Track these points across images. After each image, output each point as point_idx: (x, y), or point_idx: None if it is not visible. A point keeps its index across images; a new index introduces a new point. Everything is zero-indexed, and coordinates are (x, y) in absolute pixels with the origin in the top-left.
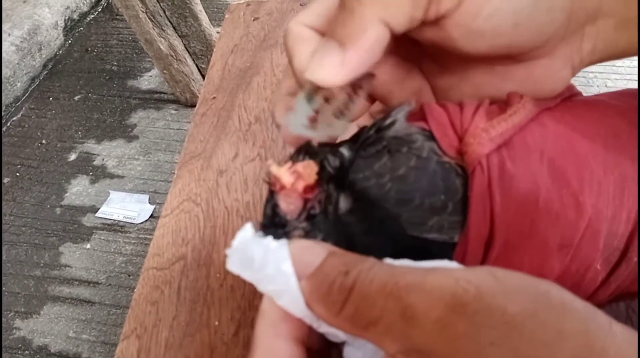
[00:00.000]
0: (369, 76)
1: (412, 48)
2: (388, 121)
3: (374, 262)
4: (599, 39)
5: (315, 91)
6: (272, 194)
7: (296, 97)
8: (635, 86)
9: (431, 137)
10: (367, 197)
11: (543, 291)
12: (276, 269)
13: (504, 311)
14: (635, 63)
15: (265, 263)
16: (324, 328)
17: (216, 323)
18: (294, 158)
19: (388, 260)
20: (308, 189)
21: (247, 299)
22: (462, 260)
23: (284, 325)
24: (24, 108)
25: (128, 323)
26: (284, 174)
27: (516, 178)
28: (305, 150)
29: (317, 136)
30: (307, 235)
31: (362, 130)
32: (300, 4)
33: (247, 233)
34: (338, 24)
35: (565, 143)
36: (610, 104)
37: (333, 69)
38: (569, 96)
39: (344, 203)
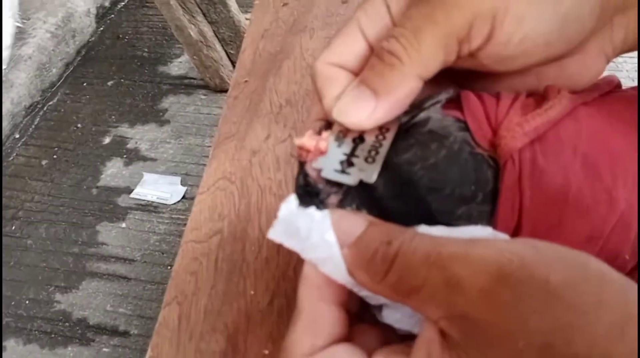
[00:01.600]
0: (396, 118)
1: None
2: (423, 117)
3: (415, 233)
4: (630, 28)
5: (344, 132)
6: (301, 166)
7: (326, 138)
8: None
9: (465, 128)
10: (400, 177)
11: (583, 262)
12: (320, 238)
13: (546, 281)
14: None
15: (309, 232)
16: (364, 292)
17: (252, 292)
18: (320, 128)
19: (423, 227)
20: None
21: (281, 270)
22: None
23: (327, 290)
24: (59, 93)
25: (169, 291)
26: (307, 140)
27: (547, 173)
28: (328, 122)
29: (350, 182)
30: (342, 202)
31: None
32: None
33: (291, 204)
34: (375, 74)
35: (600, 139)
36: None
37: (364, 114)
38: (608, 91)
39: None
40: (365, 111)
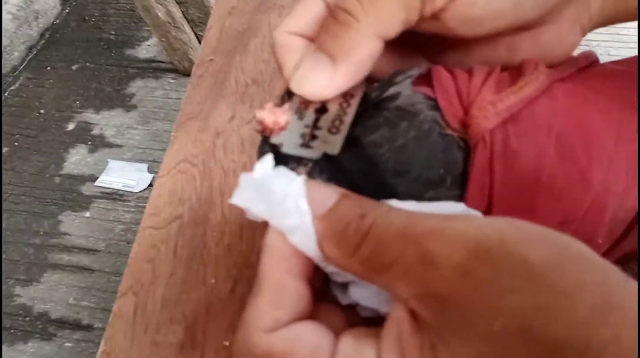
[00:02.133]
0: (360, 84)
1: (411, 34)
2: (392, 91)
3: (390, 207)
4: None
5: (305, 104)
6: (264, 139)
7: (286, 111)
8: None
9: (436, 106)
10: (366, 158)
11: (564, 243)
12: (294, 204)
13: (526, 259)
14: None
15: (285, 197)
16: (330, 268)
17: (212, 280)
18: (283, 98)
19: (394, 201)
20: None
21: (244, 256)
22: None
23: (293, 261)
24: (21, 78)
25: (125, 280)
26: (267, 114)
27: (519, 155)
28: (289, 92)
29: (313, 156)
30: (311, 173)
31: (365, 96)
32: None
33: (267, 164)
34: (329, 36)
35: (576, 118)
36: (629, 73)
37: (323, 83)
38: (586, 66)
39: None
40: (324, 79)
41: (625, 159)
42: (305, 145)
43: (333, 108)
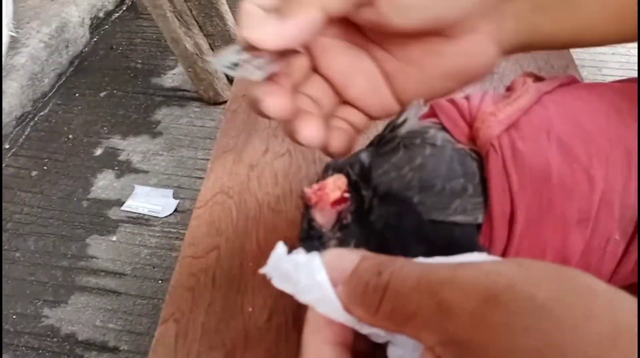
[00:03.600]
0: (294, 51)
1: (359, 36)
2: (401, 119)
3: (405, 261)
4: (520, 20)
5: (248, 48)
6: (307, 208)
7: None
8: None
9: (443, 128)
10: (390, 192)
11: (569, 276)
12: (310, 280)
13: (534, 297)
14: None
15: (298, 276)
16: (366, 329)
17: (250, 309)
18: (323, 175)
19: (420, 259)
20: (339, 201)
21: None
22: (490, 238)
23: (329, 331)
24: (51, 104)
25: (166, 308)
26: (313, 192)
27: (528, 156)
28: (332, 167)
29: (233, 74)
30: (341, 243)
31: (376, 137)
32: None
33: (279, 251)
34: (282, 3)
35: (570, 122)
36: (609, 86)
37: (270, 33)
38: (568, 82)
39: (371, 205)
40: (271, 30)
41: (620, 158)
42: (231, 68)
43: (266, 55)
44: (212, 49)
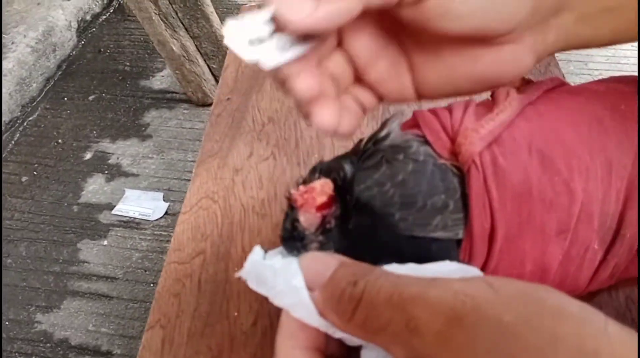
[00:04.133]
0: (323, 38)
1: (391, 23)
2: (384, 133)
3: (381, 272)
4: (561, 31)
5: (276, 24)
6: (292, 209)
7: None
8: None
9: (425, 141)
10: (372, 207)
11: (538, 298)
12: (286, 284)
13: (500, 321)
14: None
15: (275, 280)
16: (339, 334)
17: (235, 313)
18: (310, 177)
19: (394, 265)
20: (325, 205)
21: None
22: (469, 254)
23: (301, 336)
24: (39, 108)
25: (152, 314)
26: (300, 194)
27: (509, 172)
28: (320, 169)
29: (247, 57)
30: (322, 247)
31: (359, 143)
32: None
33: (256, 255)
34: None
35: (552, 134)
36: (593, 91)
37: (302, 13)
38: (552, 87)
39: (350, 214)
40: (306, 8)
41: (599, 168)
42: (249, 44)
43: (292, 35)
44: (199, 51)
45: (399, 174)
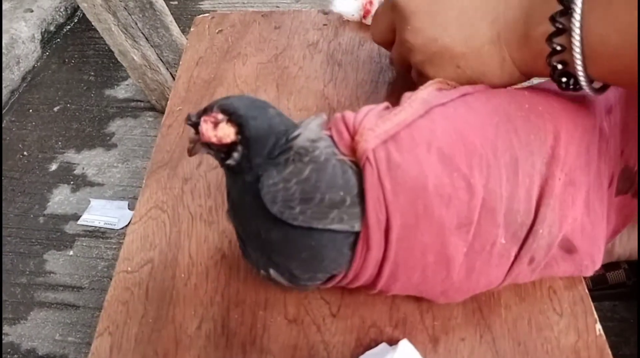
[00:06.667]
0: None
1: None
2: (297, 132)
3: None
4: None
5: None
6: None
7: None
8: None
9: (332, 140)
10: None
11: None
12: None
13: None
14: None
15: None
16: None
17: (180, 319)
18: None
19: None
20: (226, 145)
21: (209, 296)
22: (367, 244)
23: None
24: (4, 121)
25: (101, 322)
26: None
27: (404, 167)
28: (221, 107)
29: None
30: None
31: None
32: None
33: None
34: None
35: (455, 134)
36: (512, 92)
37: None
38: (472, 92)
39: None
40: None
41: (504, 167)
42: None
43: None
44: (160, 60)
45: (303, 172)
